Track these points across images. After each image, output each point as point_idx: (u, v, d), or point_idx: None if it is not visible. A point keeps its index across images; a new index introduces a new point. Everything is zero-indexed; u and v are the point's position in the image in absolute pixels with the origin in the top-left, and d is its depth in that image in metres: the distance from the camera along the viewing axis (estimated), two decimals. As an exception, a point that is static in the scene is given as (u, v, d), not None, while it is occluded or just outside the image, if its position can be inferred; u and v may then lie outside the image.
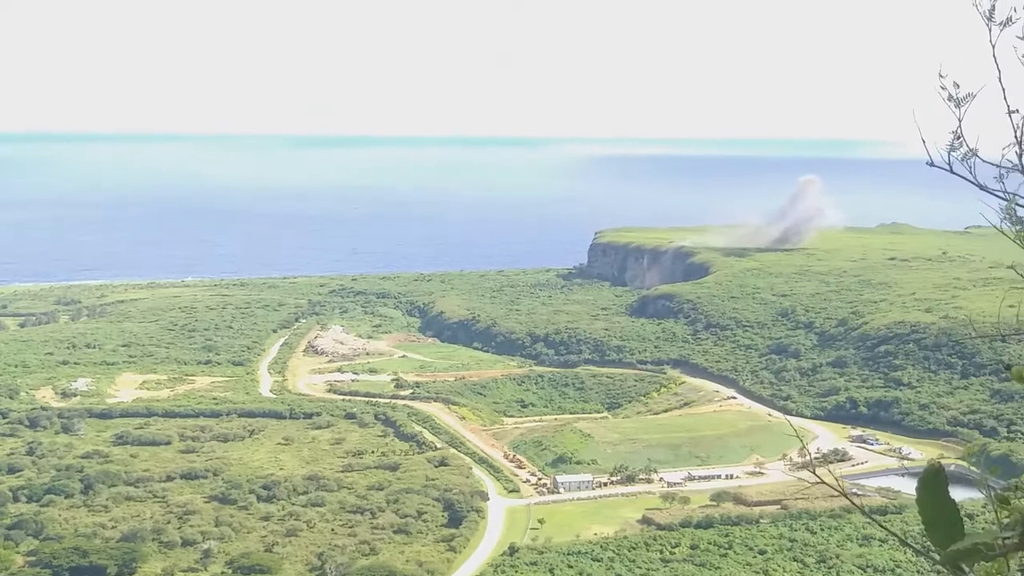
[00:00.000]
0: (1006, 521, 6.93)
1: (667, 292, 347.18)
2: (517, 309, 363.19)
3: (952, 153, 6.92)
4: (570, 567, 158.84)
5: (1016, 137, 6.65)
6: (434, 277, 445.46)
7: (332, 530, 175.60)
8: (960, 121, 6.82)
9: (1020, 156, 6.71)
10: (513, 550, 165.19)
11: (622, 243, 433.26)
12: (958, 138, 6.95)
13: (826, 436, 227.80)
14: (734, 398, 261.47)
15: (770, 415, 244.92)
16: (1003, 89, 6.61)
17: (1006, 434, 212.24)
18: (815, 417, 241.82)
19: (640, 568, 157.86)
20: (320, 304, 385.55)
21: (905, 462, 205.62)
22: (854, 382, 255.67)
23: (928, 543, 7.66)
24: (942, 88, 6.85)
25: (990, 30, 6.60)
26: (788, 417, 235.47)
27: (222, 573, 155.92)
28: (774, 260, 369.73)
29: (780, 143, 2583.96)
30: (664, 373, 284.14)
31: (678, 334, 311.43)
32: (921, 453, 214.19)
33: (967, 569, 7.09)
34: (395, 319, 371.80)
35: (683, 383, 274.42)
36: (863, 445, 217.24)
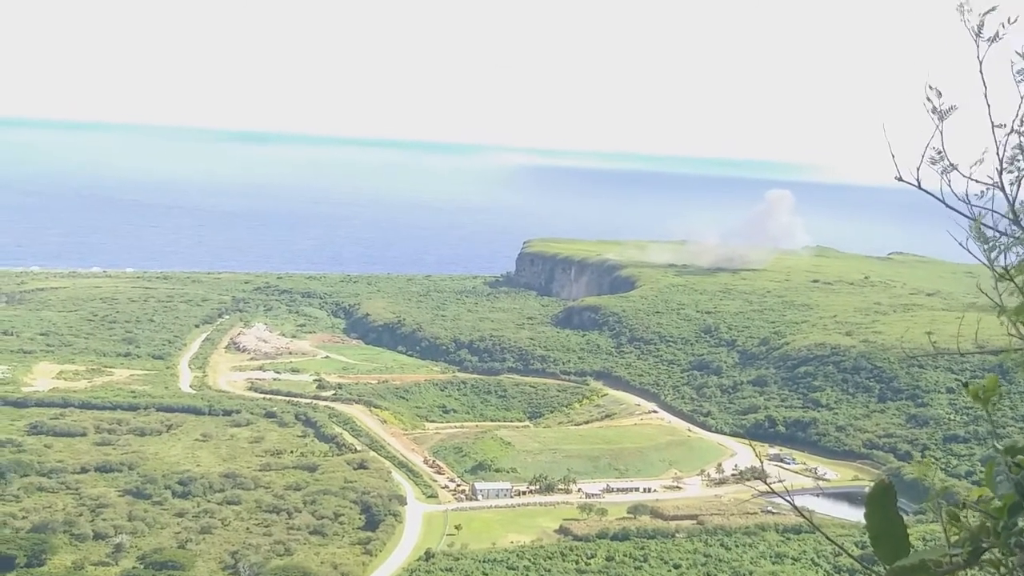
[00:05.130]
0: (955, 538, 6.97)
1: (593, 304, 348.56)
2: (443, 315, 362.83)
3: (932, 167, 6.97)
4: (485, 574, 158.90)
5: (998, 153, 6.71)
6: (361, 279, 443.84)
7: (247, 529, 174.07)
8: (942, 134, 6.87)
9: (1000, 173, 6.76)
10: (429, 555, 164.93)
11: (550, 253, 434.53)
12: (939, 152, 6.99)
13: (744, 453, 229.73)
14: (655, 412, 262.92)
15: (690, 430, 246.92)
16: (988, 105, 6.67)
17: (920, 459, 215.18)
18: (734, 434, 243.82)
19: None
20: (244, 301, 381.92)
21: (820, 482, 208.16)
22: (773, 401, 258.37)
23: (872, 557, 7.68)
24: (927, 100, 6.90)
25: (978, 46, 6.66)
26: (710, 433, 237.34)
27: (133, 568, 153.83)
28: (700, 277, 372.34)
29: (702, 162, 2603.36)
30: (587, 384, 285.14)
31: (602, 346, 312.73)
32: (836, 474, 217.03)
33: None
34: (320, 319, 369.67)
35: (605, 395, 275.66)
36: (780, 464, 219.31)
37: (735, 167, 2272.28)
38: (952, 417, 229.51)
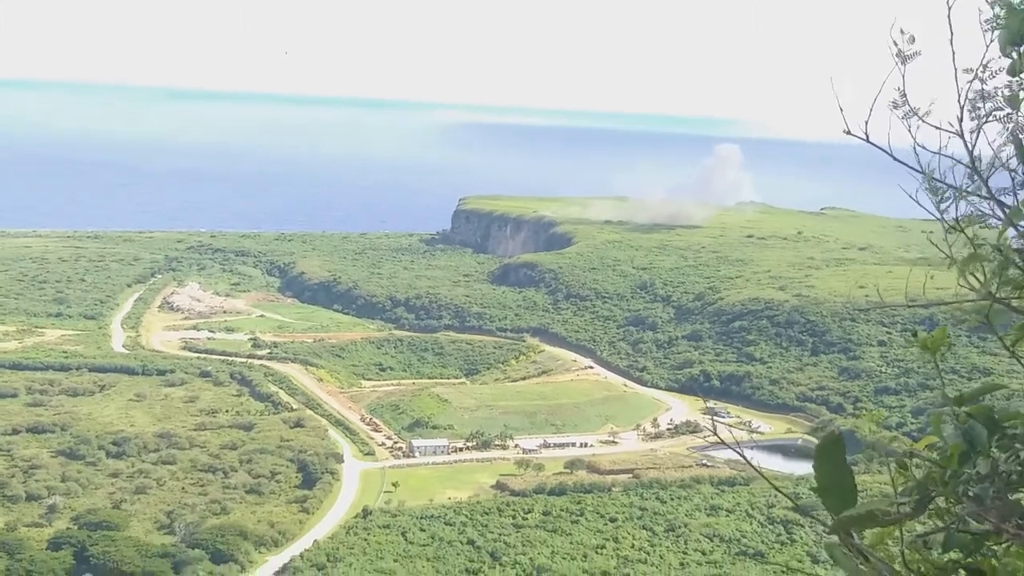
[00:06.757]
0: (902, 488, 7.04)
1: (529, 261, 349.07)
2: (379, 272, 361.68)
3: (895, 111, 7.00)
4: (423, 530, 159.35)
5: (959, 100, 6.74)
6: (295, 237, 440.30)
7: (183, 488, 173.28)
8: (903, 77, 6.90)
9: (961, 121, 6.79)
10: (366, 512, 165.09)
11: (486, 210, 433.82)
12: (903, 95, 7.02)
13: (680, 407, 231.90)
14: (591, 368, 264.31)
15: (626, 386, 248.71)
16: (953, 53, 6.70)
17: (852, 410, 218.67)
18: (669, 389, 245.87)
19: (492, 533, 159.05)
20: (177, 260, 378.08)
21: (754, 435, 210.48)
22: (708, 356, 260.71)
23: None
24: (894, 44, 6.92)
25: None
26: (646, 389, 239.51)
27: (67, 529, 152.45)
28: (636, 234, 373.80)
29: (640, 118, 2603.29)
30: (523, 341, 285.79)
31: (538, 303, 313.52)
32: (770, 427, 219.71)
33: (857, 536, 7.18)
34: (254, 278, 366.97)
35: (542, 351, 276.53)
36: (715, 418, 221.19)
37: (671, 123, 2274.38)
38: (883, 369, 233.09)
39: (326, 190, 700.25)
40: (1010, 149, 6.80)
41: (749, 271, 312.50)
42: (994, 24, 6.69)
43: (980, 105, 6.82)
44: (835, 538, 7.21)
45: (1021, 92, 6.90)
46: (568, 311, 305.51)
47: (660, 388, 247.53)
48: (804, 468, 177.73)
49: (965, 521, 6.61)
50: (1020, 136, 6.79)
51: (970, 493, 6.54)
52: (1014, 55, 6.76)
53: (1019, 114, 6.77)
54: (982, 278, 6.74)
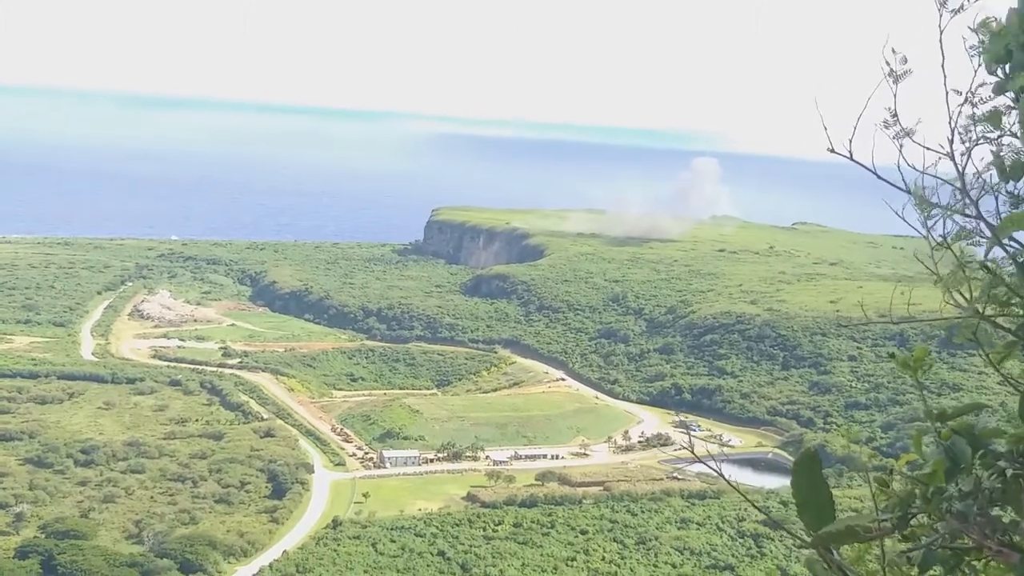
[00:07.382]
0: (883, 504, 7.06)
1: (501, 272, 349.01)
2: (351, 282, 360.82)
3: (885, 131, 7.05)
4: (393, 542, 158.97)
5: (950, 123, 6.79)
6: (267, 246, 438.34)
7: (151, 498, 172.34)
8: (895, 96, 6.95)
9: (951, 142, 6.83)
10: (336, 523, 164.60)
11: (459, 221, 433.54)
12: (894, 115, 7.07)
13: (651, 420, 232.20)
14: (563, 380, 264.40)
15: (597, 398, 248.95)
16: (944, 76, 6.74)
17: (822, 425, 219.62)
18: (640, 402, 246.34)
19: (463, 544, 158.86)
20: (148, 268, 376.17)
21: (725, 449, 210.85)
22: (680, 369, 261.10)
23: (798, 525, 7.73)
24: (886, 63, 6.98)
25: (940, 16, 6.74)
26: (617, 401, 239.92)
27: (35, 537, 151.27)
28: (608, 247, 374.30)
29: (621, 131, 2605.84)
30: (495, 353, 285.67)
31: (511, 314, 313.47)
32: (740, 440, 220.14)
33: (835, 552, 7.19)
34: (225, 287, 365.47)
35: (513, 363, 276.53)
36: (686, 431, 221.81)
37: (651, 137, 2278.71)
38: (853, 384, 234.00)
39: (299, 199, 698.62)
40: (995, 172, 6.87)
41: (721, 285, 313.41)
42: (979, 50, 6.76)
43: (971, 128, 6.89)
44: (815, 554, 7.22)
45: (1003, 111, 6.96)
46: (540, 323, 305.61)
47: (631, 401, 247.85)
48: (775, 482, 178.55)
49: (947, 538, 6.63)
50: (1003, 157, 6.85)
51: (953, 510, 6.57)
52: (999, 73, 6.82)
53: (1004, 134, 6.84)
54: (968, 295, 6.79)
